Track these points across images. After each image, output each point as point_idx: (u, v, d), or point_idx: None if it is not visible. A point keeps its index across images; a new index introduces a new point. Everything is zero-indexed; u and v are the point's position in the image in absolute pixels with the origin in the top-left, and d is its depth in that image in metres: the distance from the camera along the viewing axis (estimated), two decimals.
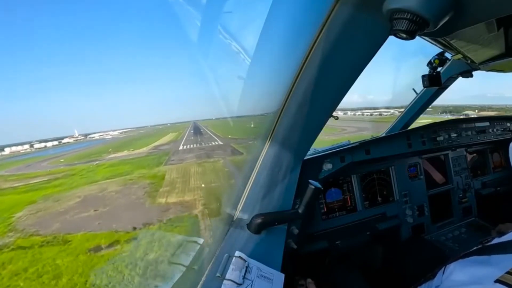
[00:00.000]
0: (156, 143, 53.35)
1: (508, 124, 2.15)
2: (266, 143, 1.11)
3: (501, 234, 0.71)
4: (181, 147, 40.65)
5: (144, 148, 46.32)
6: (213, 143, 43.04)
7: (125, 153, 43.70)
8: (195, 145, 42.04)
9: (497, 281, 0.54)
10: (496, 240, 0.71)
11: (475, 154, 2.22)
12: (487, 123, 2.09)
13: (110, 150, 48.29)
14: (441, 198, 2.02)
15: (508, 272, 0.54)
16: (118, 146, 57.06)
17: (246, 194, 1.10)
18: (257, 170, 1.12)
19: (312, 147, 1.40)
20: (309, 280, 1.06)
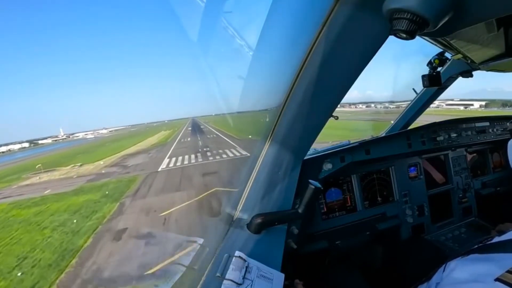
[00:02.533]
0: (130, 150, 33.84)
1: (508, 124, 2.15)
2: (266, 143, 1.11)
3: (501, 233, 0.72)
4: (164, 164, 20.53)
5: (101, 162, 27.02)
6: (231, 154, 21.06)
7: (59, 173, 25.10)
8: (193, 157, 21.39)
9: (497, 279, 0.54)
10: (496, 239, 0.71)
11: (475, 154, 2.22)
12: (487, 123, 2.09)
13: (39, 166, 29.19)
14: (441, 198, 2.02)
15: (508, 271, 0.54)
16: (71, 155, 38.81)
17: (246, 194, 1.10)
18: (257, 169, 1.12)
19: (312, 147, 1.40)
20: (296, 280, 1.06)
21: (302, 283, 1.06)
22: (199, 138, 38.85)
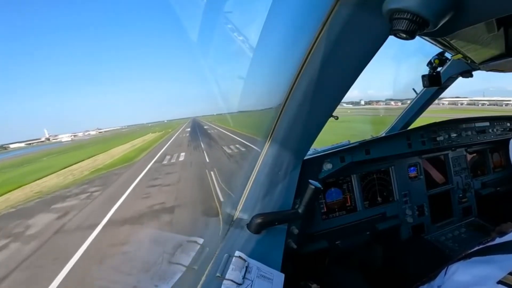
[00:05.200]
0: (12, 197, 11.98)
1: (508, 124, 2.15)
2: (266, 143, 1.11)
3: (502, 234, 0.71)
4: None
5: None
6: None
7: None
8: None
9: (499, 282, 0.54)
10: (497, 240, 0.71)
11: (475, 154, 2.22)
12: (487, 123, 2.09)
13: None
14: (441, 198, 2.02)
15: (510, 273, 0.54)
16: None
17: (246, 194, 1.10)
18: (257, 169, 1.12)
19: (312, 147, 1.40)
20: (314, 285, 1.06)
21: (320, 287, 1.06)
22: (207, 158, 14.18)
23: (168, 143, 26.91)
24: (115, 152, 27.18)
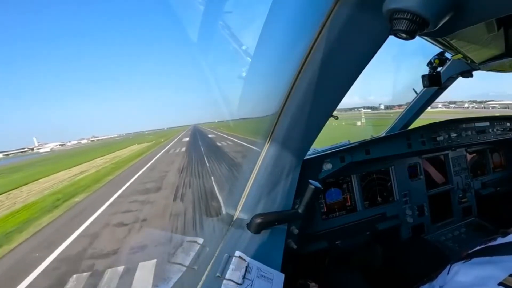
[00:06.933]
0: None
1: (508, 124, 2.15)
2: (266, 143, 1.11)
3: (505, 234, 0.71)
4: None
5: None
6: None
7: None
8: None
9: (501, 284, 0.53)
10: (499, 240, 0.71)
11: (475, 154, 2.22)
12: (487, 123, 2.09)
13: None
14: (441, 198, 2.02)
15: (511, 275, 0.54)
16: None
17: (246, 194, 1.10)
18: (257, 170, 1.12)
19: (312, 147, 1.40)
20: (312, 284, 1.06)
21: (318, 285, 1.06)
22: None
23: (142, 170, 14.28)
24: (39, 186, 15.66)
